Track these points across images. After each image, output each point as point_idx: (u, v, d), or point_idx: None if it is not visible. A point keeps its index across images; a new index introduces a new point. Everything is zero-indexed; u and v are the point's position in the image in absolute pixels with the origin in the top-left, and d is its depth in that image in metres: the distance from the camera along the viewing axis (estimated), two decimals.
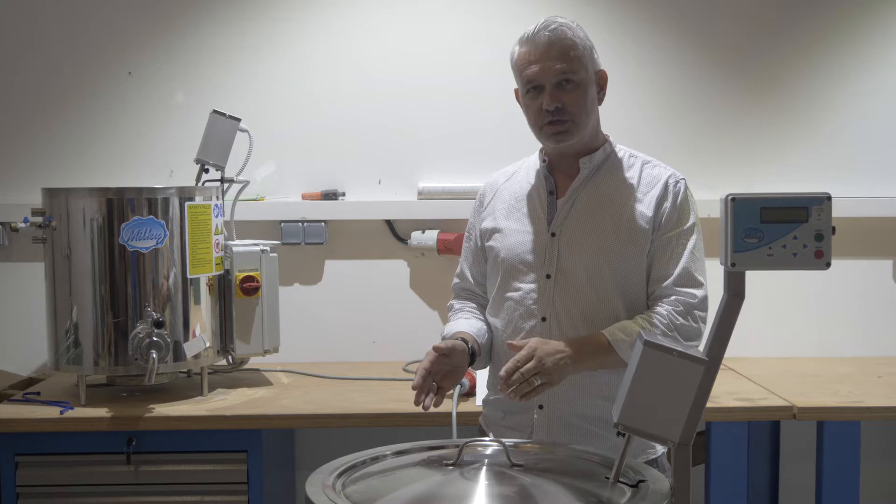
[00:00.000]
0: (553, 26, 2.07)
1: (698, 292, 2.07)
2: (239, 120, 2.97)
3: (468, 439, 1.66)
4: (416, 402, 2.00)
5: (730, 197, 1.43)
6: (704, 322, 2.07)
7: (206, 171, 2.94)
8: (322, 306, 3.36)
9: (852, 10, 3.35)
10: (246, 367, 3.12)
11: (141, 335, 2.61)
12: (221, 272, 2.86)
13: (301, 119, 3.33)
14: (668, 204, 2.10)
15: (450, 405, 2.16)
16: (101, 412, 2.63)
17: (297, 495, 3.28)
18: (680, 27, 3.35)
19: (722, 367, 1.47)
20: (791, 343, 3.39)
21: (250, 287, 2.84)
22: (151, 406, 2.67)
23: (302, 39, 3.32)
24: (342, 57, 3.33)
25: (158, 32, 3.31)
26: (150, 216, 2.68)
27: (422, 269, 3.37)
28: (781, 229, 1.42)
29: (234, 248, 2.87)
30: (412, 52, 3.33)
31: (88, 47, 3.31)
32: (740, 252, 1.42)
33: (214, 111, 2.93)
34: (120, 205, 2.67)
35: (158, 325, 2.61)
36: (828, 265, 1.42)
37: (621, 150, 2.20)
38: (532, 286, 2.12)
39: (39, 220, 2.73)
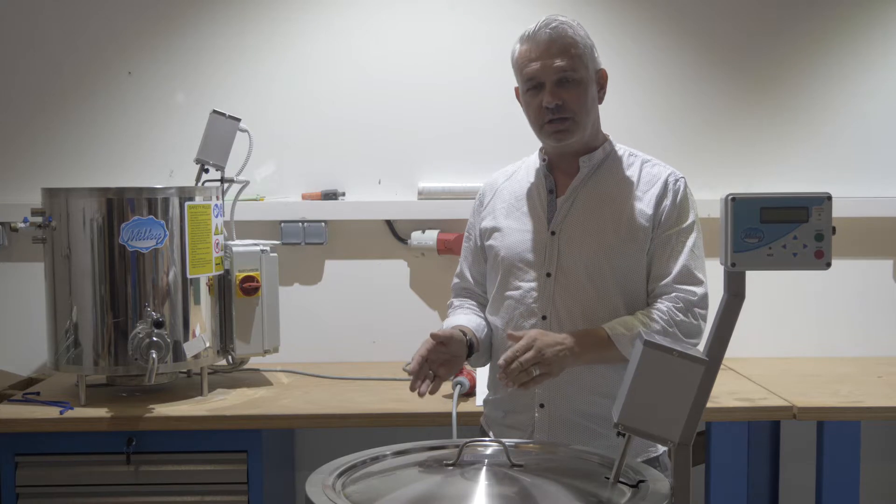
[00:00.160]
0: (554, 24, 2.07)
1: (698, 290, 2.07)
2: (239, 120, 2.97)
3: (468, 439, 1.66)
4: (412, 388, 2.01)
5: (730, 197, 1.43)
6: (705, 320, 2.07)
7: (206, 171, 2.94)
8: (322, 306, 3.36)
9: (852, 10, 3.35)
10: (246, 367, 3.12)
11: (141, 335, 2.61)
12: (221, 272, 2.86)
13: (301, 119, 3.33)
14: (667, 202, 2.10)
15: (449, 405, 2.16)
16: (101, 412, 2.63)
17: (297, 495, 3.28)
18: (680, 27, 3.35)
19: (722, 367, 1.47)
20: (791, 343, 3.39)
21: (250, 287, 2.84)
22: (151, 406, 2.67)
23: (302, 39, 3.32)
24: (342, 57, 3.33)
25: (158, 32, 3.31)
26: (150, 216, 2.68)
27: (422, 269, 3.37)
28: (781, 229, 1.42)
29: (234, 248, 2.87)
30: (412, 52, 3.33)
31: (88, 47, 3.31)
32: (740, 252, 1.42)
33: (214, 111, 2.93)
34: (120, 205, 2.67)
35: (158, 325, 2.61)
36: (828, 265, 1.42)
37: (621, 149, 2.20)
38: (532, 285, 2.12)
39: (39, 220, 2.73)
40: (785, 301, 3.35)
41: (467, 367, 2.69)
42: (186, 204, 2.73)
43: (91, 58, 3.31)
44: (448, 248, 3.24)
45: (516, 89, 2.18)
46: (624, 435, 1.48)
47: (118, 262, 2.67)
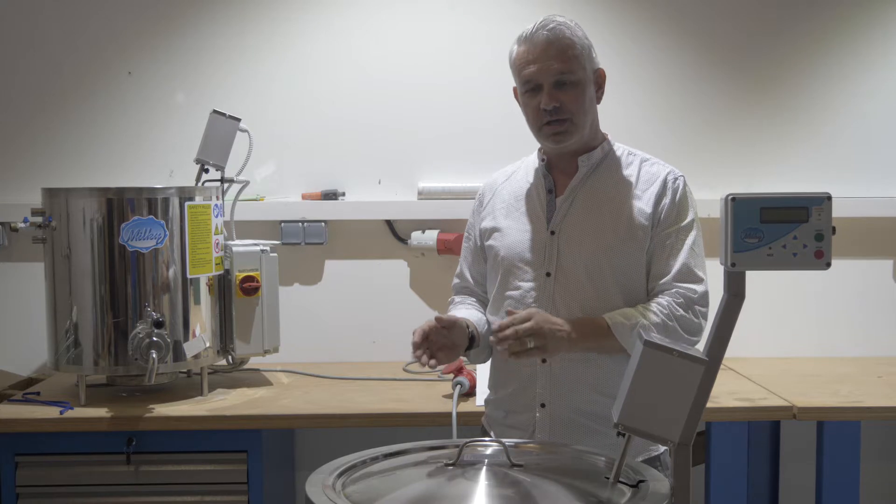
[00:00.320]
0: (551, 25, 2.07)
1: (698, 287, 2.07)
2: (239, 120, 2.97)
3: (468, 439, 1.65)
4: (415, 355, 2.01)
5: (730, 197, 1.43)
6: (705, 318, 2.07)
7: (206, 171, 2.94)
8: (322, 306, 3.36)
9: (852, 10, 3.35)
10: (246, 367, 3.12)
11: (141, 335, 2.61)
12: (221, 272, 2.86)
13: (301, 119, 3.33)
14: (666, 200, 2.10)
15: (449, 405, 2.16)
16: (101, 412, 2.63)
17: (297, 495, 3.28)
18: (680, 27, 3.35)
19: (722, 367, 1.47)
20: (791, 343, 3.39)
21: (250, 287, 2.84)
22: (151, 406, 2.67)
23: (302, 39, 3.32)
24: (342, 57, 3.33)
25: (158, 32, 3.31)
26: (150, 216, 2.68)
27: (422, 269, 3.37)
28: (781, 229, 1.42)
29: (234, 248, 2.87)
30: (412, 52, 3.33)
31: (88, 47, 3.31)
32: (740, 252, 1.42)
33: (214, 111, 2.93)
34: (120, 205, 2.67)
35: (158, 325, 2.61)
36: (828, 265, 1.42)
37: (620, 148, 2.20)
38: (532, 284, 2.13)
39: (39, 220, 2.73)
40: (785, 301, 3.35)
41: (467, 366, 2.70)
42: (186, 204, 2.73)
43: (91, 58, 3.31)
44: (448, 248, 3.24)
45: (514, 89, 2.18)
46: (624, 435, 1.48)
47: (118, 262, 2.67)
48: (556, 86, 2.06)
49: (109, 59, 3.31)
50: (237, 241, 2.96)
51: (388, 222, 3.35)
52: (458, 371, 2.76)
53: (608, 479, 1.51)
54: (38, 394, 2.83)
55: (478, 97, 3.30)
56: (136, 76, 3.32)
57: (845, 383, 2.93)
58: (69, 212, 2.68)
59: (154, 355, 2.56)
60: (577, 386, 2.09)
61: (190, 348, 2.74)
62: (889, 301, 3.41)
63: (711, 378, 1.45)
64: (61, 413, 2.62)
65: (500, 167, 2.35)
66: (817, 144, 3.38)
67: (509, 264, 2.16)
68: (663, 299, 2.06)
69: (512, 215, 2.20)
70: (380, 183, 3.36)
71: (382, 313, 3.37)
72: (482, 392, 2.55)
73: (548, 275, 2.11)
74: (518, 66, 2.11)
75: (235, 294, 2.84)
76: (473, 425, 2.38)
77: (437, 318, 2.05)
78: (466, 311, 2.24)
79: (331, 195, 3.30)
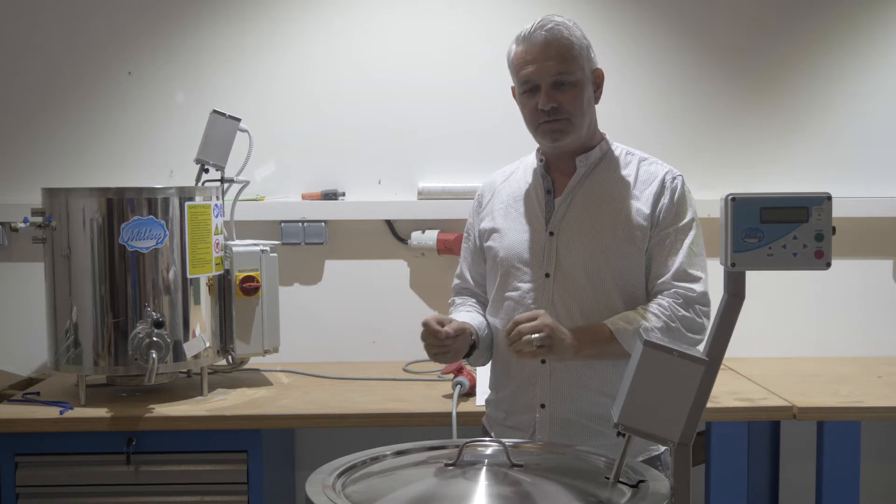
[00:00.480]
0: (549, 25, 2.07)
1: (697, 287, 2.07)
2: (239, 120, 2.97)
3: (468, 439, 1.65)
4: (438, 334, 2.02)
5: (730, 197, 1.43)
6: (707, 317, 2.07)
7: (206, 171, 2.94)
8: (322, 306, 3.36)
9: (852, 10, 3.35)
10: (246, 367, 3.12)
11: (141, 335, 2.61)
12: (221, 272, 2.86)
13: (301, 119, 3.33)
14: (665, 200, 2.10)
15: (449, 405, 2.16)
16: (101, 412, 2.63)
17: (297, 495, 3.28)
18: (680, 27, 3.35)
19: (722, 367, 1.47)
20: (791, 343, 3.39)
21: (250, 287, 2.84)
22: (151, 406, 2.67)
23: (302, 39, 3.32)
24: (342, 57, 3.33)
25: (158, 32, 3.31)
26: (150, 216, 2.68)
27: (422, 269, 3.37)
28: (781, 229, 1.42)
29: (234, 248, 2.87)
30: (412, 52, 3.33)
31: (88, 47, 3.31)
32: (740, 252, 1.42)
33: (214, 111, 2.93)
34: (120, 205, 2.67)
35: (158, 325, 2.61)
36: (828, 265, 1.42)
37: (618, 148, 2.20)
38: (531, 285, 2.12)
39: (39, 220, 2.73)
40: (785, 301, 3.35)
41: (467, 366, 2.69)
42: (186, 204, 2.73)
43: (91, 58, 3.31)
44: (448, 248, 3.24)
45: (512, 88, 2.18)
46: (624, 435, 1.48)
47: (118, 262, 2.67)
48: (554, 86, 2.06)
49: (109, 59, 3.31)
50: (237, 241, 2.96)
51: (388, 222, 3.35)
52: (458, 371, 2.76)
53: (608, 479, 1.51)
54: (38, 394, 2.83)
55: (478, 97, 3.30)
56: (136, 76, 3.32)
57: (845, 383, 2.93)
58: (69, 212, 2.68)
59: (154, 355, 2.56)
60: (576, 387, 2.09)
61: (190, 348, 2.74)
62: (889, 301, 3.41)
63: (711, 378, 1.45)
64: (61, 413, 2.62)
65: (499, 167, 2.35)
66: (817, 144, 3.38)
67: (508, 265, 2.16)
68: (664, 300, 2.05)
69: (511, 216, 2.20)
70: (380, 183, 3.36)
71: (382, 313, 3.37)
72: (482, 392, 2.55)
73: (546, 276, 2.11)
74: (516, 66, 2.10)
75: (235, 294, 2.84)
76: (473, 425, 2.38)
77: (450, 327, 2.04)
78: (467, 314, 2.24)
79: (331, 195, 3.30)
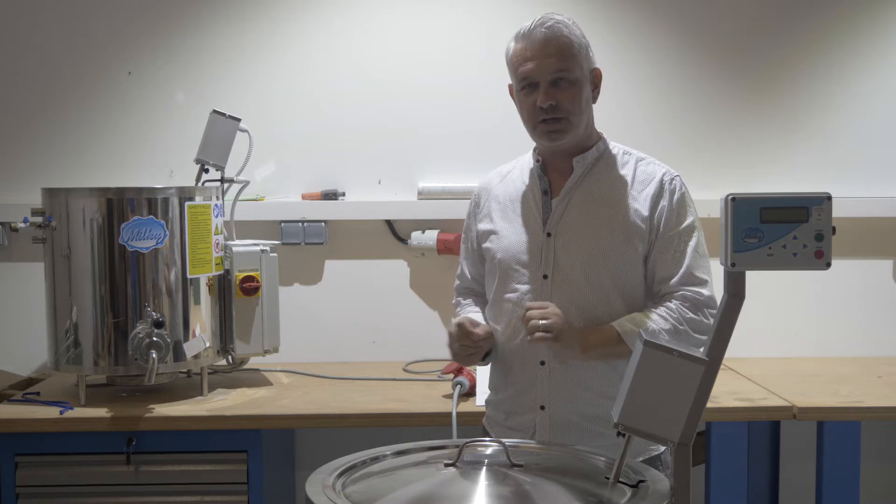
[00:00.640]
0: (549, 23, 2.06)
1: (704, 290, 2.07)
2: (239, 120, 2.97)
3: (468, 439, 1.65)
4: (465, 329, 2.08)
5: (730, 197, 1.43)
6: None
7: (206, 171, 2.94)
8: (322, 306, 3.36)
9: (852, 10, 3.35)
10: (246, 367, 3.12)
11: (141, 335, 2.61)
12: (221, 272, 2.86)
13: (301, 119, 3.33)
14: (664, 203, 2.09)
15: (449, 405, 2.16)
16: (101, 412, 2.63)
17: (297, 495, 3.28)
18: (680, 27, 3.35)
19: (722, 367, 1.47)
20: (791, 343, 3.39)
21: (250, 287, 2.84)
22: (151, 406, 2.67)
23: (302, 39, 3.32)
24: (342, 57, 3.33)
25: (158, 32, 3.31)
26: (150, 216, 2.68)
27: (422, 269, 3.37)
28: (781, 229, 1.42)
29: (234, 248, 2.87)
30: (412, 52, 3.33)
31: (88, 47, 3.31)
32: (740, 252, 1.42)
33: (214, 111, 2.93)
34: (120, 205, 2.67)
35: (158, 325, 2.61)
36: (828, 265, 1.42)
37: (615, 148, 2.19)
38: (529, 287, 2.12)
39: (39, 220, 2.73)
40: (785, 301, 3.35)
41: (467, 367, 2.69)
42: (186, 204, 2.73)
43: (91, 58, 3.31)
44: (448, 248, 3.24)
45: (510, 86, 2.17)
46: (624, 435, 1.48)
47: (118, 262, 2.67)
48: (552, 84, 2.05)
49: (109, 59, 3.31)
50: (237, 241, 2.96)
51: (388, 222, 3.35)
52: (458, 371, 2.76)
53: (608, 479, 1.51)
54: (38, 394, 2.83)
55: (478, 97, 3.30)
56: (136, 76, 3.32)
57: (845, 383, 2.93)
58: (69, 212, 2.68)
59: (154, 355, 2.56)
60: (576, 388, 2.09)
61: (190, 348, 2.74)
62: (889, 301, 3.41)
63: (711, 378, 1.45)
64: (61, 413, 2.62)
65: (499, 167, 2.35)
66: (817, 144, 3.38)
67: (506, 267, 2.16)
68: (672, 303, 2.05)
69: (508, 217, 2.20)
70: (380, 183, 3.36)
71: (382, 313, 3.37)
72: (482, 392, 2.55)
73: (545, 277, 2.11)
74: (515, 63, 2.10)
75: (235, 294, 2.84)
76: (473, 425, 2.38)
77: (480, 328, 2.10)
78: (477, 315, 2.25)
79: (331, 195, 3.30)
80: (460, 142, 3.33)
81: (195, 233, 2.75)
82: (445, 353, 3.14)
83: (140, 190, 2.71)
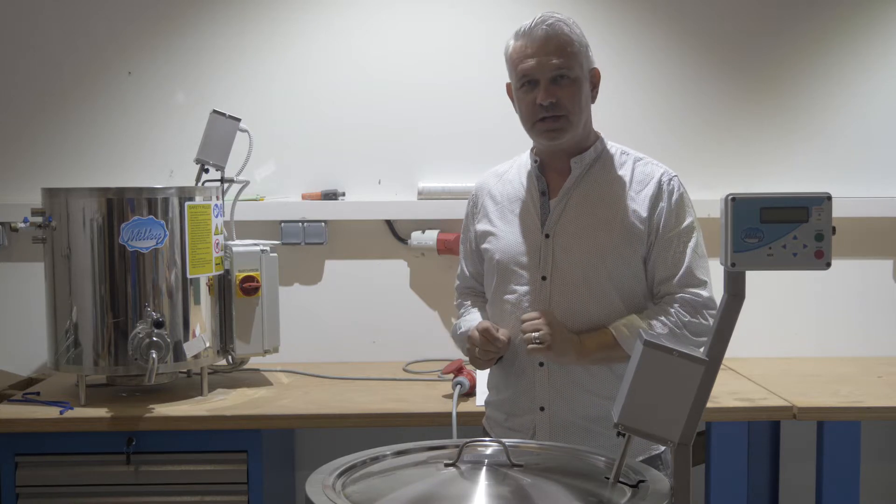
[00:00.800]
0: (550, 21, 2.06)
1: (704, 292, 2.07)
2: (239, 120, 2.97)
3: (468, 439, 1.65)
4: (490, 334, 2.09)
5: (730, 197, 1.43)
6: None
7: (206, 171, 2.94)
8: (322, 306, 3.36)
9: (852, 10, 3.35)
10: (246, 367, 3.12)
11: (141, 335, 2.61)
12: (221, 272, 2.86)
13: (301, 119, 3.33)
14: (663, 204, 2.09)
15: (449, 405, 2.16)
16: (101, 412, 2.63)
17: (297, 495, 3.28)
18: (680, 27, 3.35)
19: (722, 367, 1.47)
20: (791, 343, 3.39)
21: (250, 287, 2.84)
22: (151, 406, 2.67)
23: (302, 39, 3.32)
24: (342, 57, 3.33)
25: (158, 32, 3.31)
26: (150, 216, 2.68)
27: (422, 269, 3.37)
28: (781, 229, 1.42)
29: (234, 248, 2.87)
30: (412, 52, 3.33)
31: (88, 47, 3.31)
32: (740, 252, 1.42)
33: (214, 111, 2.93)
34: (120, 205, 2.67)
35: (158, 325, 2.61)
36: (828, 265, 1.42)
37: (613, 147, 2.18)
38: (527, 288, 2.12)
39: (39, 220, 2.73)
40: (785, 301, 3.35)
41: (467, 366, 2.70)
42: (186, 204, 2.73)
43: (91, 58, 3.31)
44: (448, 248, 3.24)
45: (507, 85, 2.17)
46: (624, 435, 1.48)
47: (118, 262, 2.67)
48: (553, 81, 2.05)
49: (109, 59, 3.31)
50: (237, 241, 2.96)
51: (388, 222, 3.35)
52: (458, 371, 2.76)
53: (608, 479, 1.51)
54: (38, 394, 2.83)
55: (478, 97, 3.30)
56: (136, 76, 3.32)
57: (845, 383, 2.93)
58: (69, 212, 2.68)
59: (154, 355, 2.56)
60: (576, 389, 2.09)
61: (190, 348, 2.74)
62: (889, 301, 3.41)
63: (711, 378, 1.45)
64: (61, 413, 2.62)
65: None
66: (817, 144, 3.38)
67: (504, 268, 2.16)
68: (670, 307, 2.05)
69: (506, 218, 2.20)
70: (380, 183, 3.35)
71: (382, 313, 3.37)
72: (482, 392, 2.55)
73: (543, 279, 2.11)
74: (514, 61, 2.10)
75: (235, 294, 2.84)
76: (473, 425, 2.38)
77: (501, 332, 2.11)
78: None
79: (331, 195, 3.30)
80: (460, 142, 3.33)
81: (195, 233, 2.75)
82: (445, 353, 3.16)
83: (140, 190, 2.71)
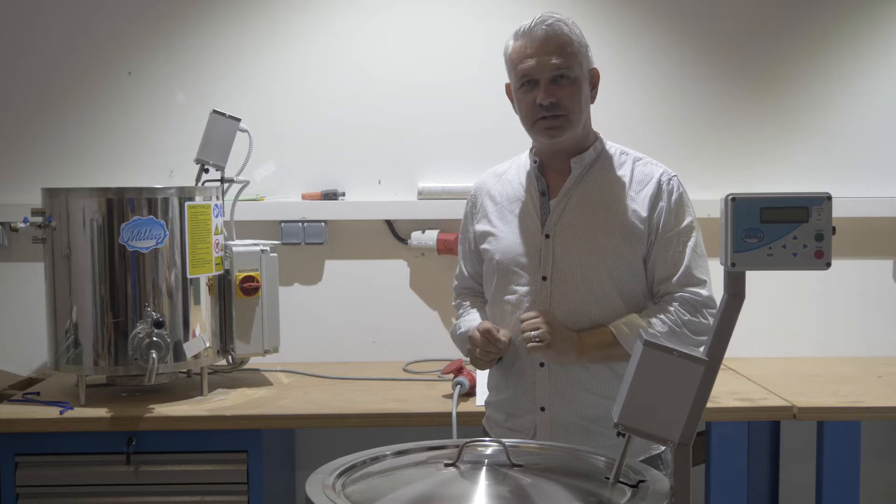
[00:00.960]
0: (550, 21, 2.06)
1: (703, 291, 2.07)
2: (239, 120, 2.96)
3: (468, 439, 1.65)
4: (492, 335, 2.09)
5: (730, 197, 1.43)
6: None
7: (206, 171, 2.94)
8: (322, 306, 3.36)
9: (852, 10, 3.35)
10: (246, 367, 3.12)
11: (141, 335, 2.61)
12: (221, 272, 2.86)
13: (301, 119, 3.33)
14: (663, 204, 2.09)
15: (449, 405, 2.16)
16: (101, 412, 2.63)
17: (297, 495, 3.28)
18: (680, 27, 3.35)
19: (722, 367, 1.47)
20: (791, 343, 3.39)
21: (250, 287, 2.84)
22: (151, 406, 2.67)
23: (302, 39, 3.32)
24: (342, 57, 3.33)
25: (158, 32, 3.31)
26: (150, 216, 2.68)
27: (422, 269, 3.37)
28: (781, 229, 1.42)
29: (234, 248, 2.87)
30: (412, 52, 3.33)
31: (88, 47, 3.31)
32: (740, 252, 1.42)
33: (214, 111, 2.93)
34: (120, 205, 2.67)
35: (158, 325, 2.61)
36: (828, 265, 1.42)
37: (612, 147, 2.19)
38: (527, 289, 2.12)
39: (39, 220, 2.73)
40: (785, 301, 3.35)
41: (467, 366, 2.70)
42: (186, 204, 2.73)
43: (91, 58, 3.31)
44: (448, 248, 3.24)
45: (507, 85, 2.17)
46: (624, 435, 1.48)
47: (118, 262, 2.67)
48: (552, 81, 2.05)
49: (109, 59, 3.31)
50: (237, 241, 2.96)
51: (388, 222, 3.35)
52: (458, 371, 2.76)
53: (608, 479, 1.51)
54: (38, 394, 2.83)
55: (478, 97, 3.30)
56: (136, 76, 3.32)
57: (845, 383, 2.93)
58: (69, 212, 2.68)
59: (154, 355, 2.56)
60: (576, 389, 2.09)
61: (190, 348, 2.74)
62: (889, 301, 3.41)
63: (711, 378, 1.45)
64: (61, 413, 2.62)
65: None
66: (817, 144, 3.38)
67: (504, 268, 2.16)
68: (670, 306, 2.05)
69: (505, 218, 2.20)
70: (380, 183, 3.36)
71: (382, 313, 3.37)
72: (482, 392, 2.55)
73: (543, 279, 2.11)
74: (514, 61, 2.10)
75: (235, 294, 2.84)
76: (473, 425, 2.38)
77: (502, 333, 2.11)
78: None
79: (331, 195, 3.30)
80: (460, 142, 3.33)
81: (195, 233, 2.75)
82: (445, 353, 3.16)
83: (140, 190, 2.71)
